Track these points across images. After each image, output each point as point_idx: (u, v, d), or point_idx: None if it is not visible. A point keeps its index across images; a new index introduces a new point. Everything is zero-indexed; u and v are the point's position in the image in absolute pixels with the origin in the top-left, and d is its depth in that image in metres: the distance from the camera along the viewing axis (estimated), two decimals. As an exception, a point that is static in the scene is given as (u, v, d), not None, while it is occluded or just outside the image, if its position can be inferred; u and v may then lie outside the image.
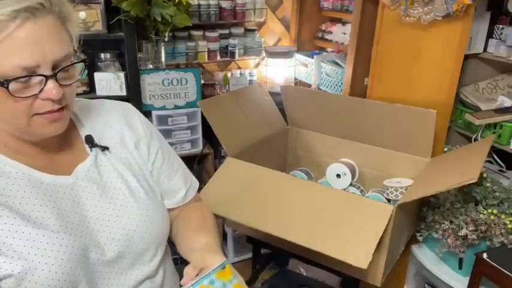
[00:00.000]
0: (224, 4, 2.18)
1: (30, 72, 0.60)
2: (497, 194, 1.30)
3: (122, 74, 1.80)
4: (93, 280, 0.71)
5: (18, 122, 0.64)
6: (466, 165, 1.17)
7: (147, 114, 1.94)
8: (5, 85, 0.58)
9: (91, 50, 1.79)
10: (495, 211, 1.24)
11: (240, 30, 2.30)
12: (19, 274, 0.62)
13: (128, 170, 0.80)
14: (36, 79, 0.61)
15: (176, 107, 1.96)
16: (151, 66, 1.95)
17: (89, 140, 0.77)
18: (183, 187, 0.92)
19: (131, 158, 0.82)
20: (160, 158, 0.87)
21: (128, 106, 0.89)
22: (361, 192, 1.56)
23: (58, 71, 0.62)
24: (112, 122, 0.83)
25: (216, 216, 1.22)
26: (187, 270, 0.70)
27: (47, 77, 0.61)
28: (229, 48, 2.29)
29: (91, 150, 0.77)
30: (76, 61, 0.66)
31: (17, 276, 0.62)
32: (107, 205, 0.75)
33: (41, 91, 0.61)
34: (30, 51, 0.59)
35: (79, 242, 0.69)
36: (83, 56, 0.68)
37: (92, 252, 0.71)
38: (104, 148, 0.78)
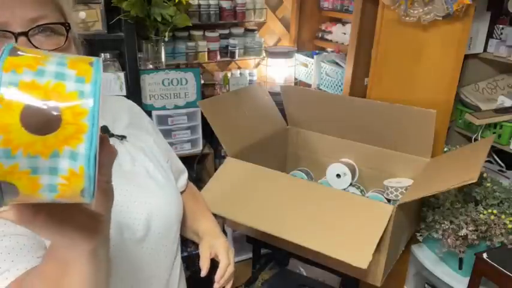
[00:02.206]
0: (224, 4, 2.18)
1: None
2: (497, 194, 1.30)
3: (121, 74, 1.80)
4: (130, 258, 0.74)
5: None
6: (466, 165, 1.17)
7: (147, 114, 1.94)
8: None
9: (91, 50, 1.79)
10: (495, 211, 1.24)
11: (240, 30, 2.30)
12: None
13: (145, 156, 0.83)
14: (8, 39, 0.58)
15: (176, 107, 1.96)
16: (151, 66, 1.95)
17: (106, 130, 0.79)
18: (185, 170, 1.01)
19: (145, 147, 0.85)
20: (165, 145, 0.95)
21: (130, 101, 0.95)
22: (361, 192, 1.56)
23: (30, 30, 0.58)
24: (121, 114, 0.87)
25: (216, 216, 1.23)
26: (204, 255, 0.88)
27: (16, 35, 0.57)
28: (229, 48, 2.29)
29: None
30: (54, 22, 0.61)
31: None
32: (130, 188, 0.77)
33: None
34: None
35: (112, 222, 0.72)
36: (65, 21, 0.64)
37: (125, 232, 0.73)
38: (122, 137, 0.81)
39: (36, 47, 0.59)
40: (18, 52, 0.34)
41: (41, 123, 0.32)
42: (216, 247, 0.90)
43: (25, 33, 0.58)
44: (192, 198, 1.00)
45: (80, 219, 0.42)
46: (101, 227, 0.45)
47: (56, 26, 0.61)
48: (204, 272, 0.87)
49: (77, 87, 0.34)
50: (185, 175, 1.01)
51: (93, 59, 0.37)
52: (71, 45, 0.65)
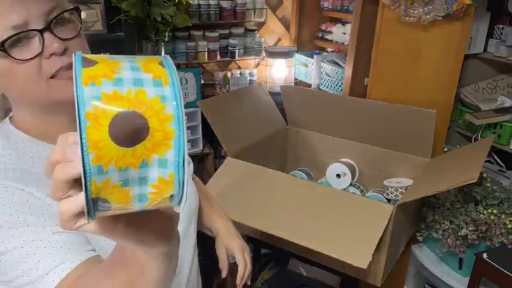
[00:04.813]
0: (224, 4, 2.18)
1: (21, 30, 0.58)
2: (497, 194, 1.30)
3: (122, 74, 1.80)
4: None
5: (36, 89, 0.61)
6: (466, 165, 1.17)
7: (147, 114, 1.94)
8: (1, 48, 0.57)
9: (91, 50, 1.80)
10: (495, 211, 1.24)
11: (240, 30, 2.30)
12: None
13: None
14: (35, 39, 0.59)
15: (176, 107, 1.96)
16: (151, 66, 1.95)
17: None
18: (191, 160, 1.01)
19: None
20: None
21: None
22: (361, 192, 1.56)
23: (50, 23, 0.59)
24: None
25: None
26: (223, 257, 0.92)
27: (40, 31, 0.58)
28: (229, 48, 2.29)
29: None
30: (67, 9, 0.62)
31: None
32: None
33: (43, 49, 0.59)
34: (12, 10, 0.57)
35: None
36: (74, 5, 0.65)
37: None
38: None
39: (60, 38, 0.60)
40: (88, 61, 0.33)
41: (130, 135, 0.31)
42: (232, 249, 0.93)
43: (48, 28, 0.59)
44: (203, 196, 1.00)
45: (157, 222, 0.41)
46: (175, 227, 0.44)
47: (67, 14, 0.62)
48: (224, 274, 0.91)
49: (157, 92, 0.32)
50: (192, 165, 1.02)
51: (161, 58, 0.35)
52: (82, 31, 0.66)
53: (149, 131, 0.32)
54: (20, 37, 0.58)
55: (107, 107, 0.31)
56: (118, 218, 0.37)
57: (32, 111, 0.66)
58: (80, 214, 0.34)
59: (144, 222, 0.39)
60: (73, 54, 0.34)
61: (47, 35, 0.59)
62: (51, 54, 0.59)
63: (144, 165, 0.32)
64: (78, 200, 0.33)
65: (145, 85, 0.32)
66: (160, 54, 1.94)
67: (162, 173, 0.33)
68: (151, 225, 0.40)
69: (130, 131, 0.31)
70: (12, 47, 0.58)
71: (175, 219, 0.43)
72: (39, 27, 0.58)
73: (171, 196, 0.34)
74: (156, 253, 0.43)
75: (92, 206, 0.32)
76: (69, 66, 0.61)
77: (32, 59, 0.59)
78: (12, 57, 0.58)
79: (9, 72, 0.59)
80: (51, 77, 0.61)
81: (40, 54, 0.59)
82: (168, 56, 0.36)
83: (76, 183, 0.33)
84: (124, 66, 0.33)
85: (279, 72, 2.33)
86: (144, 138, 0.31)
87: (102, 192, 0.32)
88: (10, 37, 0.57)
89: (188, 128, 2.01)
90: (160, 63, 0.34)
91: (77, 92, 0.31)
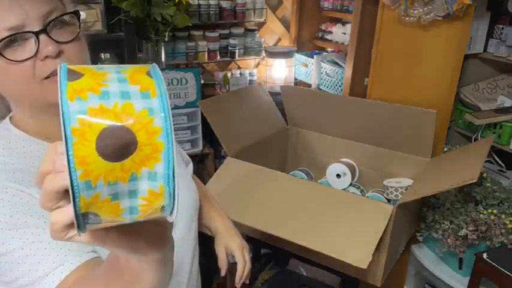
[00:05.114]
0: (224, 4, 2.18)
1: (16, 31, 0.57)
2: (497, 194, 1.30)
3: (122, 74, 1.80)
4: None
5: (29, 90, 0.61)
6: (466, 165, 1.17)
7: (147, 114, 1.93)
8: None
9: (91, 50, 1.80)
10: (495, 211, 1.24)
11: (240, 30, 2.30)
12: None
13: None
14: (31, 40, 0.59)
15: (176, 107, 1.96)
16: (151, 66, 1.95)
17: None
18: (190, 160, 1.02)
19: None
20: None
21: None
22: (361, 192, 1.56)
23: (47, 25, 0.59)
24: None
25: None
26: (222, 256, 0.92)
27: (36, 33, 0.58)
28: (229, 48, 2.29)
29: None
30: (66, 12, 0.62)
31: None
32: None
33: (37, 51, 0.59)
34: (10, 11, 0.57)
35: None
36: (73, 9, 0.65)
37: None
38: None
39: (56, 41, 0.60)
40: (74, 73, 0.32)
41: (118, 149, 0.30)
42: (231, 247, 0.93)
43: (44, 31, 0.59)
44: (202, 195, 1.00)
45: (149, 230, 0.40)
46: (169, 234, 0.44)
47: (67, 17, 0.62)
48: (223, 272, 0.91)
49: (145, 104, 0.32)
50: (191, 164, 1.02)
51: (149, 67, 0.35)
52: (82, 34, 0.65)
53: (137, 145, 0.31)
54: (15, 38, 0.57)
55: (93, 122, 0.30)
56: (109, 227, 0.37)
57: (30, 112, 0.66)
58: (71, 225, 0.34)
59: (135, 230, 0.39)
60: (58, 66, 0.33)
61: (42, 37, 0.59)
62: (46, 57, 0.59)
63: (134, 178, 0.32)
64: (69, 211, 0.33)
65: (132, 98, 0.32)
66: (160, 54, 1.94)
67: (152, 185, 0.32)
68: (143, 232, 0.40)
69: (118, 146, 0.30)
70: (7, 47, 0.57)
71: (168, 226, 0.43)
72: (36, 29, 0.58)
73: (163, 207, 0.34)
74: (149, 260, 0.43)
75: (82, 220, 0.32)
76: None
77: (25, 60, 0.58)
78: (5, 58, 0.58)
79: (4, 72, 0.59)
80: (45, 78, 0.60)
81: (35, 56, 0.59)
82: (155, 65, 0.35)
83: (67, 193, 0.33)
84: (111, 78, 0.32)
85: (279, 72, 2.33)
86: (132, 153, 0.31)
87: (92, 207, 0.31)
88: (4, 38, 0.57)
89: (188, 128, 2.01)
90: (148, 73, 0.34)
91: (62, 107, 0.30)
